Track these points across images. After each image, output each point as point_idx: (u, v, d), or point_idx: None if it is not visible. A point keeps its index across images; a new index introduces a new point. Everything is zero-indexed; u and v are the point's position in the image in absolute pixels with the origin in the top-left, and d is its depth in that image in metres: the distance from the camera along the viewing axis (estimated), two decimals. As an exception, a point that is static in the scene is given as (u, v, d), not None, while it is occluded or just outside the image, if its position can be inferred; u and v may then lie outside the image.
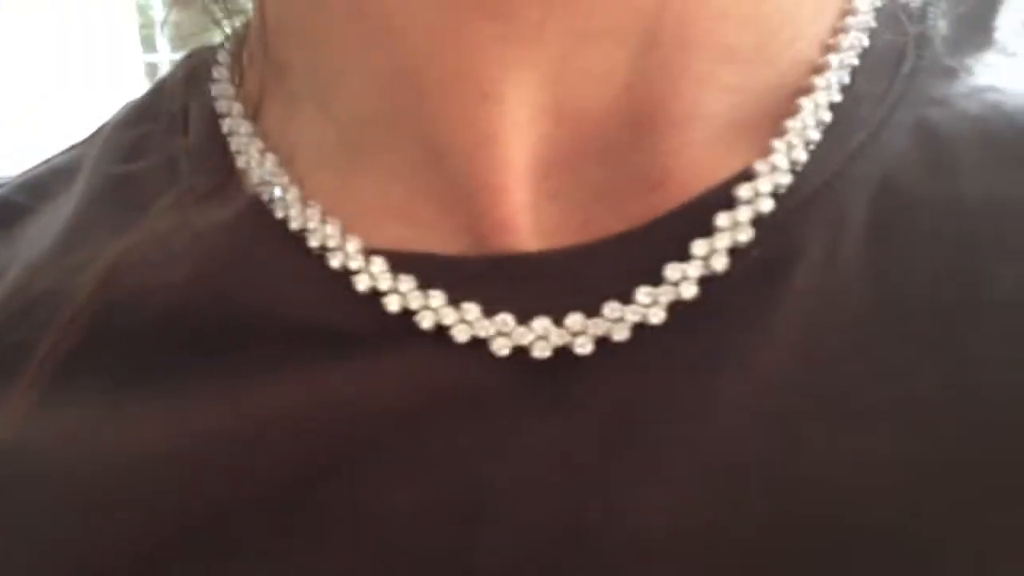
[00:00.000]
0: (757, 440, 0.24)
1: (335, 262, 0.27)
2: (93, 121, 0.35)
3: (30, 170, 0.34)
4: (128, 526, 0.25)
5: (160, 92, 0.33)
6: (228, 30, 0.32)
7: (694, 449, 0.24)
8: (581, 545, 0.24)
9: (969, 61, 0.28)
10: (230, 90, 0.31)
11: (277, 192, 0.28)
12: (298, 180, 0.29)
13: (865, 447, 0.23)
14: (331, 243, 0.27)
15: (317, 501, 0.25)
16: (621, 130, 0.26)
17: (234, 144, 0.30)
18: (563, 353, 0.25)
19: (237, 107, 0.31)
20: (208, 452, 0.26)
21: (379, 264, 0.27)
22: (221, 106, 0.31)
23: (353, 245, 0.27)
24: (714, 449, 0.24)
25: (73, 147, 0.34)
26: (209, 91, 0.32)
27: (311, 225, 0.28)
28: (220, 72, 0.32)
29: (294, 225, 0.28)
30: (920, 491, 0.23)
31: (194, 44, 0.34)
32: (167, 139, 0.31)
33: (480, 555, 0.24)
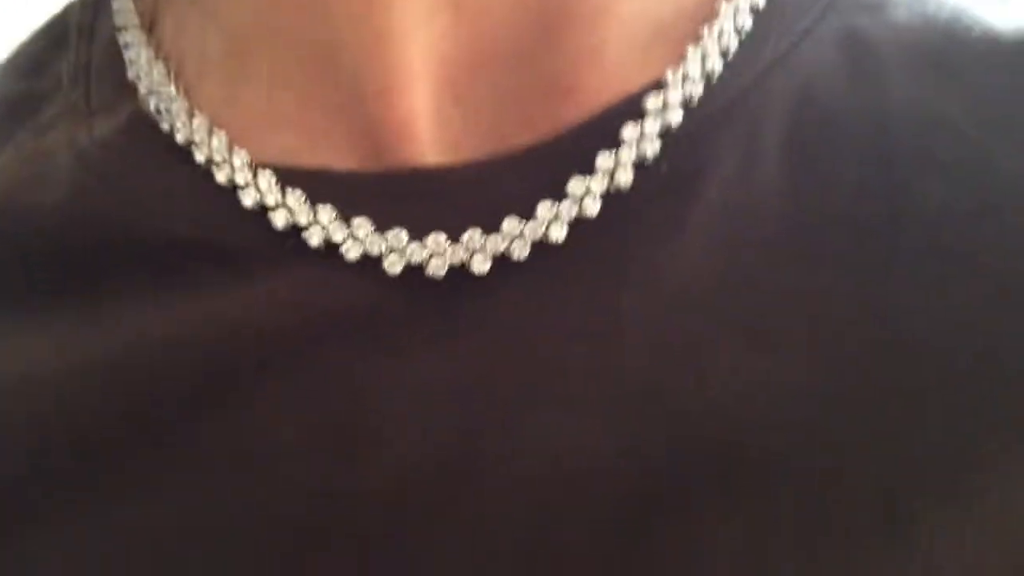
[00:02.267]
0: (662, 364, 0.23)
1: (221, 176, 0.25)
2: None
3: None
4: None
5: (67, 11, 0.32)
6: None
7: (595, 373, 0.23)
8: (470, 477, 0.22)
9: None
10: (129, 3, 0.30)
11: (163, 103, 0.27)
12: (186, 90, 0.27)
13: (771, 372, 0.22)
14: (217, 156, 0.26)
15: (196, 430, 0.23)
16: (529, 28, 0.25)
17: (128, 56, 0.28)
18: (459, 272, 0.24)
19: (134, 19, 0.29)
20: (81, 379, 0.24)
21: (267, 178, 0.25)
22: (119, 19, 0.29)
23: (240, 159, 0.25)
24: (616, 374, 0.23)
25: None
26: (112, 5, 0.30)
27: (197, 138, 0.26)
28: None
29: (179, 138, 0.26)
30: (822, 420, 0.22)
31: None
32: (68, 55, 0.30)
33: (362, 487, 0.23)
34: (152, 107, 0.27)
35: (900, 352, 0.22)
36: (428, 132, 0.25)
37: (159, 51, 0.28)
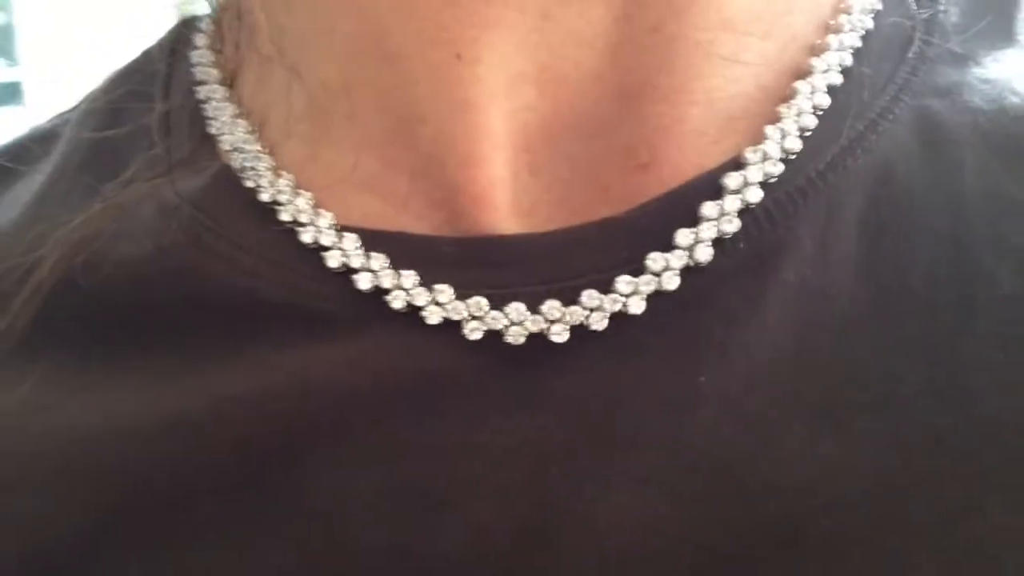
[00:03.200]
0: (735, 442, 0.23)
1: (306, 237, 0.26)
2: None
3: (16, 135, 0.34)
4: (79, 504, 0.24)
5: (143, 61, 0.32)
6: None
7: (669, 447, 0.23)
8: (542, 545, 0.23)
9: (980, 50, 0.27)
10: (209, 56, 0.30)
11: (247, 161, 0.27)
12: (269, 147, 0.28)
13: (842, 453, 0.22)
14: (302, 217, 0.26)
15: (275, 487, 0.24)
16: (608, 102, 0.25)
17: (208, 110, 0.29)
18: (538, 340, 0.24)
19: (214, 73, 0.30)
20: (161, 434, 0.25)
21: (351, 241, 0.26)
22: (199, 73, 0.30)
23: (325, 220, 0.26)
24: (691, 448, 0.23)
25: (60, 113, 0.33)
26: (190, 58, 0.31)
27: (282, 198, 0.26)
28: (201, 39, 0.31)
29: (264, 196, 0.27)
30: (891, 502, 0.22)
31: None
32: (146, 107, 0.30)
33: (437, 551, 0.23)
34: (236, 164, 0.27)
35: (968, 438, 0.22)
36: (505, 200, 0.25)
37: (240, 107, 0.29)
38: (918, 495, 0.22)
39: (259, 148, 0.27)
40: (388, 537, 0.23)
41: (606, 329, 0.24)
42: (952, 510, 0.22)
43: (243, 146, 0.28)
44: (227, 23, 0.30)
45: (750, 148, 0.25)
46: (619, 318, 0.24)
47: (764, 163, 0.25)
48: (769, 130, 0.25)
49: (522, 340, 0.24)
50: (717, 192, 0.25)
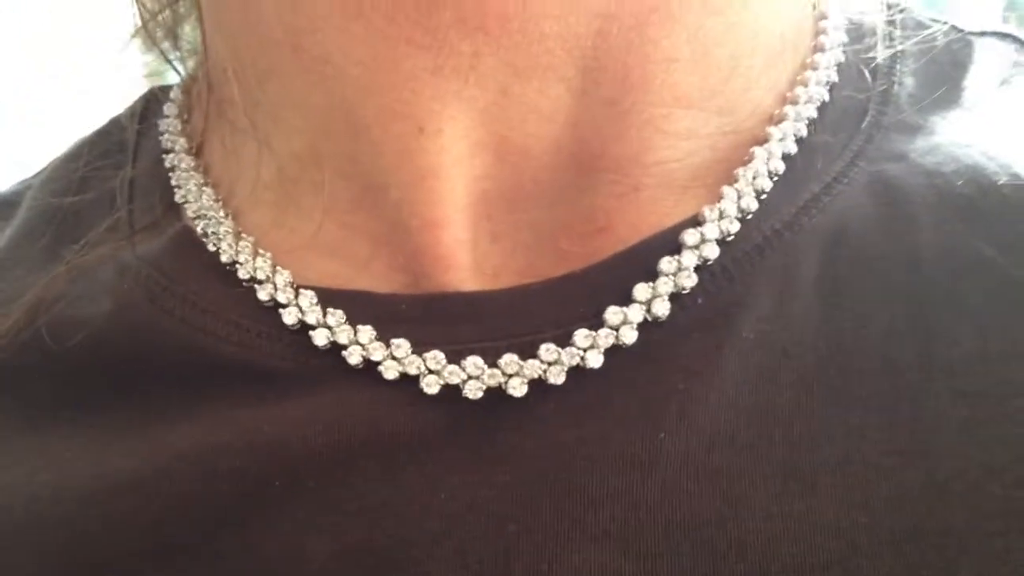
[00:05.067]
0: (698, 499, 0.22)
1: (263, 294, 0.26)
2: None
3: None
4: (24, 567, 0.24)
5: (111, 128, 0.33)
6: (183, 70, 0.32)
7: (630, 504, 0.23)
8: None
9: (934, 118, 0.27)
10: (177, 126, 0.31)
11: (210, 226, 0.27)
12: (234, 215, 0.28)
13: (806, 511, 0.22)
14: (260, 275, 0.26)
15: (225, 548, 0.23)
16: (566, 171, 0.26)
17: (174, 179, 0.29)
18: (496, 395, 0.24)
19: (181, 142, 0.30)
20: (114, 491, 0.24)
21: (308, 298, 0.26)
22: (166, 141, 0.31)
23: (282, 278, 0.26)
24: (652, 505, 0.22)
25: (22, 180, 0.34)
26: (158, 127, 0.31)
27: (241, 258, 0.27)
28: (170, 108, 0.32)
29: (224, 258, 0.27)
30: (858, 560, 0.22)
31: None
32: (112, 174, 0.31)
33: None
34: (199, 229, 0.28)
35: (930, 494, 0.22)
36: (467, 263, 0.26)
37: (207, 175, 0.29)
38: (884, 554, 0.22)
39: (223, 215, 0.28)
40: None
41: (565, 384, 0.24)
42: (916, 568, 0.21)
43: (207, 213, 0.28)
44: (196, 93, 0.31)
45: (707, 207, 0.25)
46: (577, 373, 0.24)
47: (721, 221, 0.25)
48: (726, 190, 0.25)
49: (480, 394, 0.24)
50: (675, 249, 0.25)
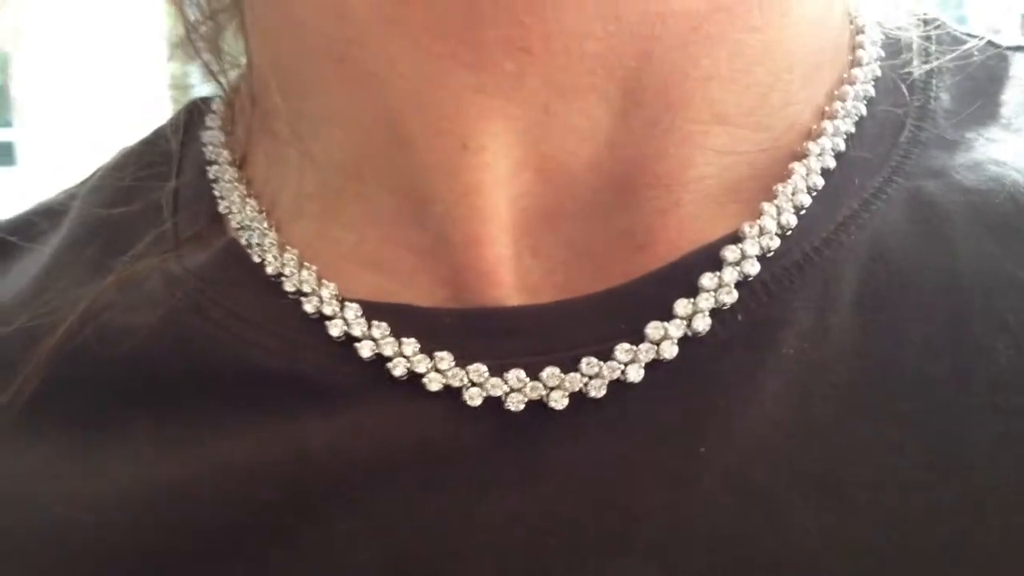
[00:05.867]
0: (738, 512, 0.23)
1: (309, 307, 0.26)
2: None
3: (24, 210, 0.34)
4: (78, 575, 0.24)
5: (155, 139, 0.33)
6: (224, 82, 0.33)
7: (670, 519, 0.23)
8: None
9: (971, 134, 0.28)
10: (220, 137, 0.31)
11: (255, 238, 0.28)
12: (278, 227, 0.28)
13: (844, 526, 0.22)
14: (306, 288, 0.27)
15: (271, 558, 0.24)
16: (605, 189, 0.26)
17: (218, 190, 0.30)
18: (538, 408, 0.24)
19: (225, 154, 0.31)
20: (163, 502, 0.25)
21: (353, 310, 0.26)
22: (209, 153, 0.31)
23: (328, 291, 0.26)
24: (692, 520, 0.23)
25: (67, 189, 0.34)
26: (201, 139, 0.32)
27: (287, 271, 0.27)
28: (212, 120, 0.32)
29: (269, 270, 0.27)
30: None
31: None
32: (156, 185, 0.31)
33: None
34: (244, 241, 0.28)
35: (965, 511, 0.22)
36: (510, 278, 0.26)
37: (250, 187, 0.30)
38: (919, 571, 0.22)
39: (267, 227, 0.28)
40: None
41: (605, 398, 0.24)
42: None
43: (251, 224, 0.28)
44: (239, 106, 0.31)
45: (747, 223, 0.25)
46: (618, 387, 0.24)
47: (761, 237, 0.25)
48: (766, 206, 0.26)
49: (522, 407, 0.24)
50: (716, 265, 0.25)
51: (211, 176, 0.30)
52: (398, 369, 0.25)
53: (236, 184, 0.30)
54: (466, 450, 0.24)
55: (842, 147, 0.27)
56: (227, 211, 0.29)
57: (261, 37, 0.29)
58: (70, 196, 0.33)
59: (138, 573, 0.24)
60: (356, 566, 0.23)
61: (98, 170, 0.34)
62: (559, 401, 0.24)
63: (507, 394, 0.24)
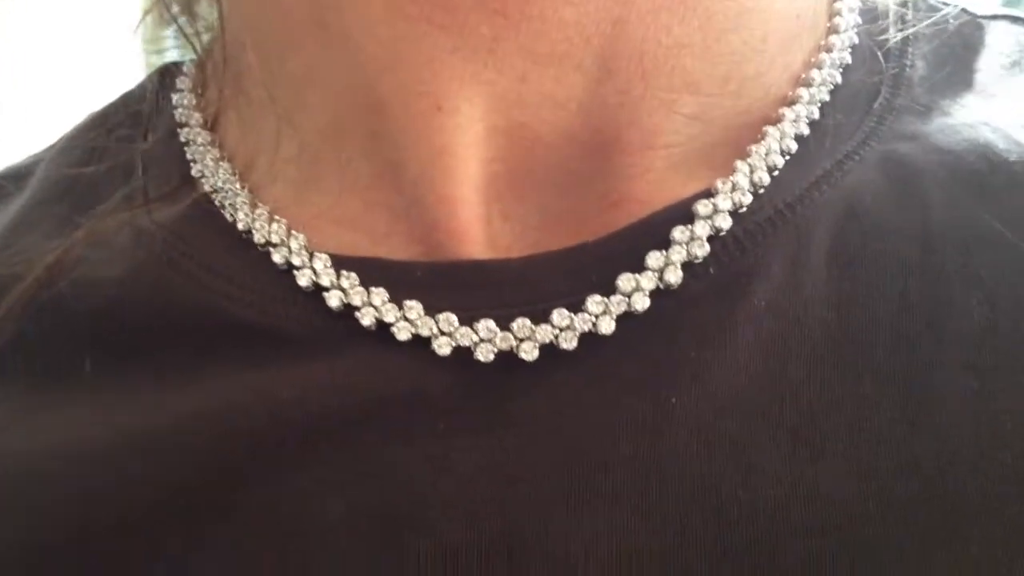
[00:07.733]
0: (709, 463, 0.22)
1: (277, 257, 0.26)
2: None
3: None
4: (38, 527, 0.24)
5: (126, 102, 0.33)
6: (197, 45, 0.32)
7: (641, 468, 0.23)
8: (512, 566, 0.22)
9: (945, 101, 0.28)
10: (191, 100, 0.31)
11: (227, 198, 0.28)
12: (252, 190, 0.28)
13: (816, 477, 0.22)
14: (275, 239, 0.26)
15: (240, 508, 0.23)
16: (577, 156, 0.26)
17: (190, 153, 0.30)
18: (507, 358, 0.24)
19: (196, 116, 0.30)
20: (128, 451, 0.24)
21: (322, 260, 0.26)
22: (181, 115, 0.31)
23: (297, 242, 0.26)
24: (663, 469, 0.22)
25: (34, 153, 0.34)
26: (172, 100, 0.31)
27: (257, 224, 0.27)
28: (184, 83, 0.32)
29: (240, 226, 0.27)
30: (867, 527, 0.22)
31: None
32: (126, 147, 0.31)
33: (405, 572, 0.22)
34: (217, 202, 0.28)
35: (939, 462, 0.22)
36: (481, 237, 0.26)
37: (222, 150, 0.29)
38: (894, 521, 0.22)
39: (238, 188, 0.28)
40: (353, 557, 0.22)
41: (577, 350, 0.24)
42: (929, 539, 0.21)
43: (224, 186, 0.28)
44: (211, 68, 0.31)
45: (720, 179, 0.25)
46: (590, 339, 0.24)
47: (733, 193, 0.25)
48: (739, 164, 0.26)
49: (491, 357, 0.24)
50: (688, 220, 0.25)
51: (182, 139, 0.30)
52: (366, 319, 0.25)
53: (208, 147, 0.29)
54: (435, 400, 0.24)
55: (816, 115, 0.27)
56: (199, 174, 0.29)
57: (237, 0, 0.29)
58: (36, 159, 0.33)
59: (105, 521, 0.24)
60: (325, 516, 0.23)
61: (66, 133, 0.33)
62: (529, 352, 0.24)
63: (476, 344, 0.24)
